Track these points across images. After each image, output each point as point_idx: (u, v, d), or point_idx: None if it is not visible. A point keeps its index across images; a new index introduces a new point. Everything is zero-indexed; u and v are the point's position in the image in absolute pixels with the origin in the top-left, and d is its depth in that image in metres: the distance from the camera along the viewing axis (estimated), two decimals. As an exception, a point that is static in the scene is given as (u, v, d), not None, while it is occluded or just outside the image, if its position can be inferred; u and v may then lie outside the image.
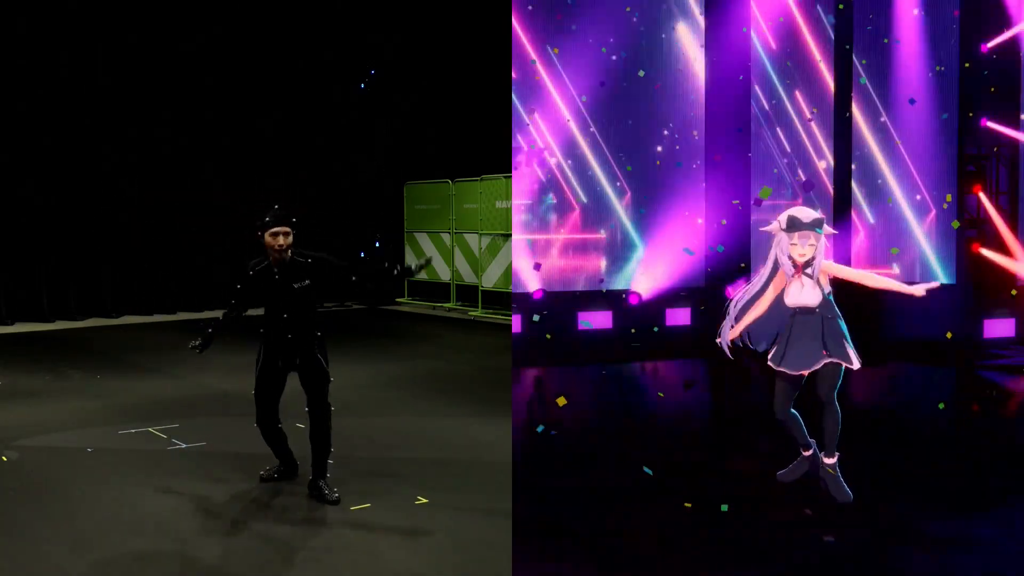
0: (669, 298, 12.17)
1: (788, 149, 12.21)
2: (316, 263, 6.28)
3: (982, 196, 11.31)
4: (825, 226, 5.74)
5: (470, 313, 16.93)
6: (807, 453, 6.13)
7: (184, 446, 7.62)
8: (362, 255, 16.71)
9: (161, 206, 16.35)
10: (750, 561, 5.08)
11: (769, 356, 5.94)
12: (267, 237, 6.14)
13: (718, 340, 6.03)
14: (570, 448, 7.30)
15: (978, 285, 11.30)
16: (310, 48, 17.83)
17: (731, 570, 4.99)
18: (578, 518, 5.74)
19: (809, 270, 5.70)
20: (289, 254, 6.19)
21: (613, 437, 7.73)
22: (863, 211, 12.23)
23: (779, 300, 5.87)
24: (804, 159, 12.18)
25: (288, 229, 6.17)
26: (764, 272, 5.95)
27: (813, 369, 5.78)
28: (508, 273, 15.73)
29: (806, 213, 5.68)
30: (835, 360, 5.73)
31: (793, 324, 5.81)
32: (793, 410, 5.99)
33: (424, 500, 6.18)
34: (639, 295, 12.33)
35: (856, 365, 5.73)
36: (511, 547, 5.23)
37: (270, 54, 17.38)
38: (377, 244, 17.95)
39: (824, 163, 11.97)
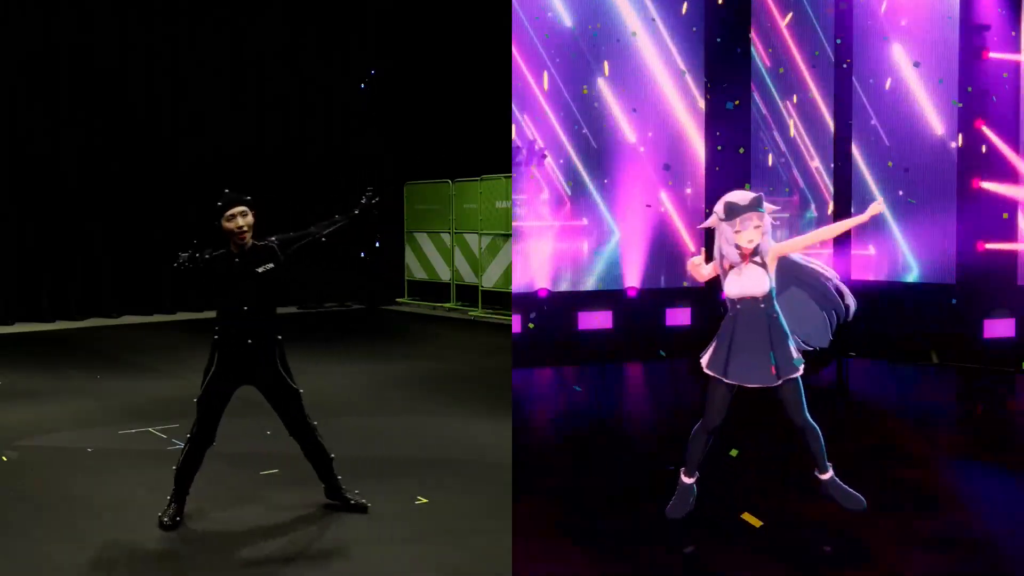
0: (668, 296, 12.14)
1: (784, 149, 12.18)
2: (281, 243, 5.73)
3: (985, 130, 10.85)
4: (765, 204, 5.16)
5: (470, 313, 16.93)
6: (690, 480, 5.59)
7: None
8: (363, 255, 16.66)
9: (161, 206, 16.34)
10: (750, 561, 5.07)
11: (706, 359, 5.40)
12: (224, 223, 5.53)
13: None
14: (570, 448, 7.31)
15: (978, 285, 11.24)
16: (311, 49, 17.83)
17: (731, 570, 4.99)
18: (578, 518, 5.74)
19: (757, 257, 5.20)
20: (250, 238, 5.61)
21: (613, 437, 7.73)
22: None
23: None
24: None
25: (246, 208, 5.59)
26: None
27: (764, 386, 5.29)
28: (508, 273, 15.73)
29: (742, 195, 5.18)
30: (790, 377, 5.25)
31: (736, 322, 5.27)
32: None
33: (424, 500, 6.19)
34: (637, 289, 12.30)
35: (801, 369, 5.25)
36: (511, 547, 5.23)
37: (271, 55, 17.38)
38: (377, 244, 17.93)
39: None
